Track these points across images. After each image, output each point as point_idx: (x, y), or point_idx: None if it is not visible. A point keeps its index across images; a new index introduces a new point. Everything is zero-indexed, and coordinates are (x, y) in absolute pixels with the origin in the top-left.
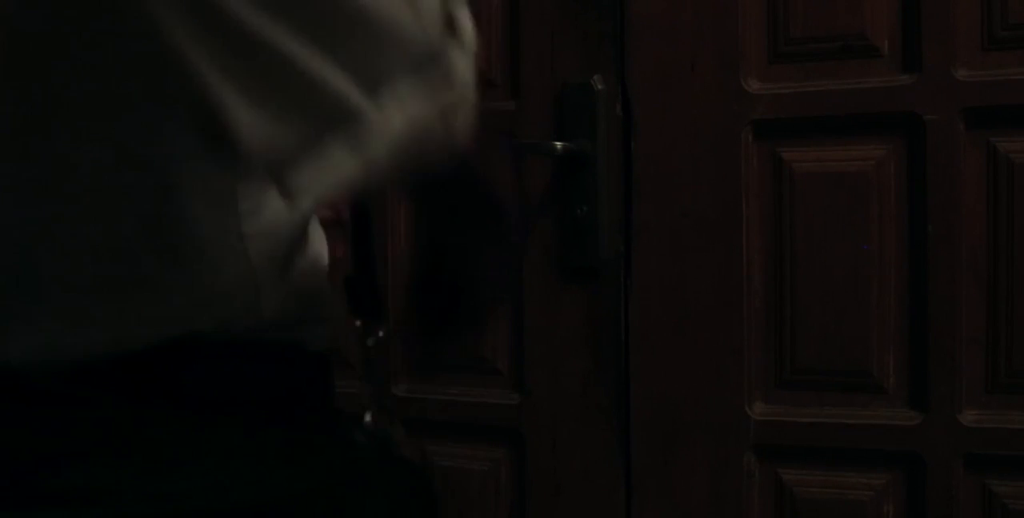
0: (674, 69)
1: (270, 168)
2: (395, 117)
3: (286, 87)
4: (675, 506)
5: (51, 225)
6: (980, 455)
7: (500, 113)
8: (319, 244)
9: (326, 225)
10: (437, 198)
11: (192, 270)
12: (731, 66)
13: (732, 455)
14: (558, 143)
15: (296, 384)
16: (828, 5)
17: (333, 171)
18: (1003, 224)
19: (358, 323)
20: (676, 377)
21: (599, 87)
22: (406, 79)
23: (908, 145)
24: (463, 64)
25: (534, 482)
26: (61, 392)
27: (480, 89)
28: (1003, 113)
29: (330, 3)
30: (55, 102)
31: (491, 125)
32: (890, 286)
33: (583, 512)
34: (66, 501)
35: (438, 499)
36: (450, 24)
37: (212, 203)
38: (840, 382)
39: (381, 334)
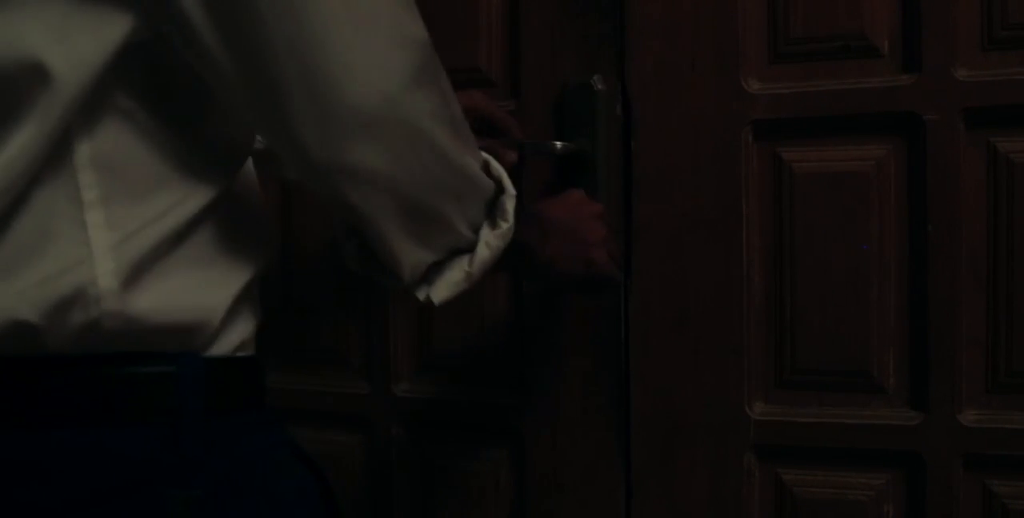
0: (674, 69)
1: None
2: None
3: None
4: (675, 506)
5: None
6: (980, 455)
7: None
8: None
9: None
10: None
11: None
12: (731, 66)
13: (732, 455)
14: (558, 143)
15: None
16: (828, 5)
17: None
18: (1003, 224)
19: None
20: (676, 377)
21: (599, 87)
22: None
23: (908, 145)
24: (509, 204)
25: (534, 482)
26: None
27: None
28: (1003, 113)
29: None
30: None
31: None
32: (890, 286)
33: (583, 512)
34: None
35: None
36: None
37: None
38: (840, 382)
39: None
